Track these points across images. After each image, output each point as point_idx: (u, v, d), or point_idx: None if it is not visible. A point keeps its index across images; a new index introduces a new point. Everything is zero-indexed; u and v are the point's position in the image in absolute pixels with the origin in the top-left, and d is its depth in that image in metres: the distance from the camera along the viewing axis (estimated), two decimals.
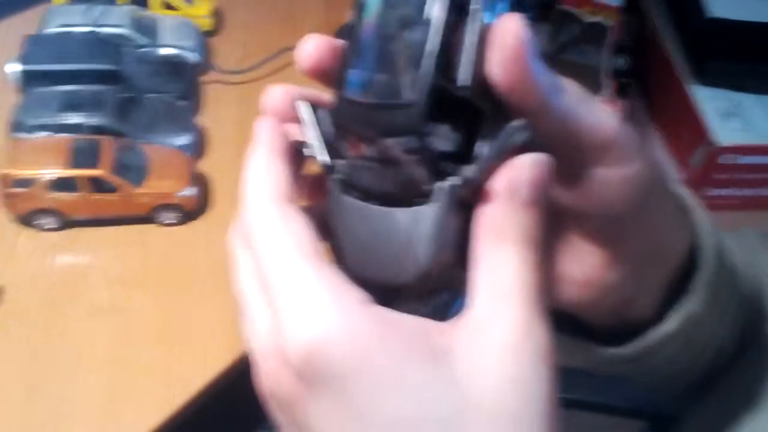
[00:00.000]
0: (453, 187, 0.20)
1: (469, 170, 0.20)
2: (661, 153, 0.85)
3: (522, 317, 0.20)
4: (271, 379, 0.21)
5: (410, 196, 0.21)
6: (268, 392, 0.21)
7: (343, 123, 0.22)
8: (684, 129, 0.82)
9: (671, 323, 0.29)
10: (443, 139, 0.21)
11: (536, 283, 0.21)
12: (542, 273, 0.21)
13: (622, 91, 0.85)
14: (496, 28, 0.20)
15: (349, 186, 0.22)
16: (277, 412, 0.22)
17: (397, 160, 0.21)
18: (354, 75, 0.21)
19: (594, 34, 0.92)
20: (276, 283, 0.21)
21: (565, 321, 0.29)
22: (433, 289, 0.22)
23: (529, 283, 0.20)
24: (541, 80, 0.21)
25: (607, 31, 0.92)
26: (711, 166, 0.79)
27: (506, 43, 0.20)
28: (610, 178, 0.24)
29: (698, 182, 0.80)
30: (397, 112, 0.20)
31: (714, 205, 0.82)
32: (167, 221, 0.66)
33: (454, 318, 0.20)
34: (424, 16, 0.20)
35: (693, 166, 0.80)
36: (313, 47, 0.23)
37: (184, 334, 0.59)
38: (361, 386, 0.19)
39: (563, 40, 0.99)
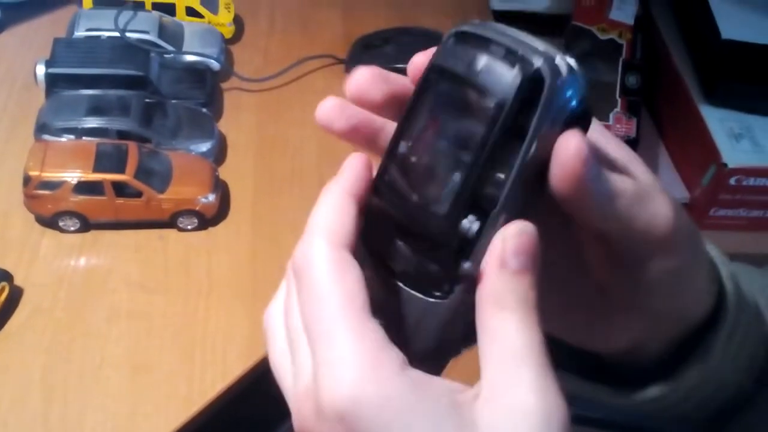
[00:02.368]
0: (461, 291, 0.22)
1: (466, 265, 0.22)
2: (670, 172, 0.87)
3: (531, 379, 0.21)
4: (305, 421, 0.21)
5: (427, 286, 0.23)
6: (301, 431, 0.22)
7: (381, 198, 0.23)
8: (693, 149, 0.84)
9: (682, 377, 0.30)
10: (468, 224, 0.22)
11: (539, 343, 0.21)
12: (541, 332, 0.22)
13: (631, 109, 0.87)
14: (559, 146, 0.22)
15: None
16: None
17: (420, 256, 0.23)
18: (401, 149, 0.23)
19: (607, 51, 0.94)
20: (318, 332, 0.21)
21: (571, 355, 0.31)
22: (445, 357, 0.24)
23: (533, 344, 0.21)
24: (598, 190, 0.23)
25: (621, 49, 0.93)
26: (720, 187, 0.80)
27: (568, 161, 0.21)
28: (660, 269, 0.25)
29: (707, 202, 0.82)
30: (430, 220, 0.22)
31: (722, 225, 0.84)
32: (187, 227, 0.68)
33: (475, 385, 0.22)
34: (485, 113, 0.21)
35: (703, 187, 0.82)
36: (361, 78, 0.25)
37: (203, 338, 0.60)
38: None
39: (575, 55, 1.00)
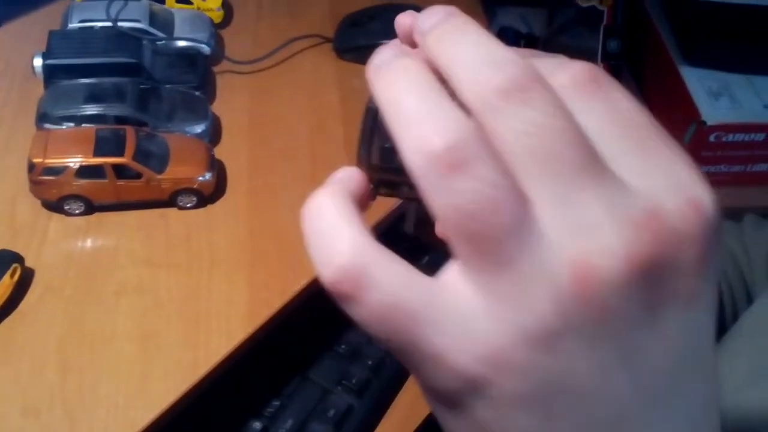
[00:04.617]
0: None
1: None
2: None
3: None
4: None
5: None
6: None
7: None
8: (675, 109, 0.86)
9: None
10: None
11: None
12: None
13: (613, 73, 0.89)
14: None
15: None
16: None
17: None
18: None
19: (589, 18, 0.96)
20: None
21: None
22: None
23: None
24: None
25: (602, 15, 0.95)
26: (701, 144, 0.82)
27: None
28: None
29: None
30: None
31: None
32: (186, 205, 0.71)
33: None
34: None
35: (685, 145, 0.84)
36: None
37: (207, 307, 0.64)
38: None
39: (559, 23, 1.02)
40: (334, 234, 0.18)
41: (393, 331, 0.18)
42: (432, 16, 0.20)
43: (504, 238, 0.16)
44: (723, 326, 0.43)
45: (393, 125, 0.18)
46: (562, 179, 0.16)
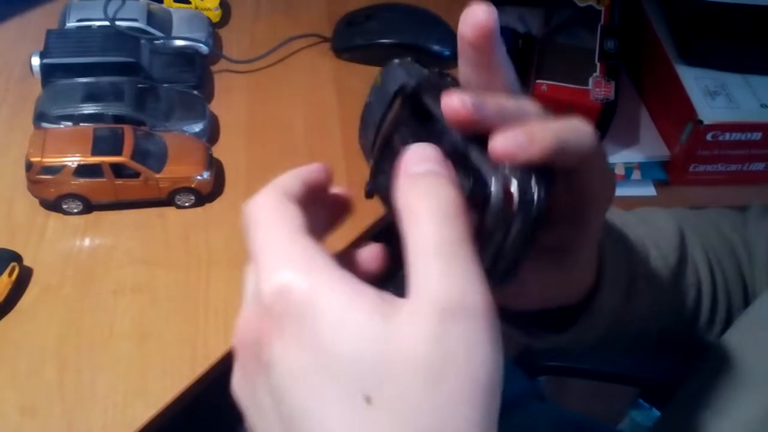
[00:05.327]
0: None
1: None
2: (650, 131, 0.89)
3: (440, 271, 0.22)
4: (245, 328, 0.24)
5: None
6: (240, 344, 0.25)
7: None
8: (672, 108, 0.86)
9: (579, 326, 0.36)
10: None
11: (455, 237, 0.22)
12: (462, 227, 0.23)
13: (610, 73, 0.89)
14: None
15: None
16: (242, 376, 0.25)
17: None
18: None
19: (587, 17, 0.96)
20: (257, 251, 0.25)
21: None
22: None
23: (444, 239, 0.22)
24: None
25: (600, 15, 0.95)
26: (698, 144, 0.83)
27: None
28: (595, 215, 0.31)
29: (686, 159, 0.85)
30: None
31: (702, 180, 0.87)
32: (184, 204, 0.71)
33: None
34: None
35: (682, 144, 0.84)
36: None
37: (204, 306, 0.64)
38: (316, 319, 0.22)
39: (556, 23, 1.02)
40: None
41: None
42: None
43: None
44: (713, 320, 0.43)
45: None
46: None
